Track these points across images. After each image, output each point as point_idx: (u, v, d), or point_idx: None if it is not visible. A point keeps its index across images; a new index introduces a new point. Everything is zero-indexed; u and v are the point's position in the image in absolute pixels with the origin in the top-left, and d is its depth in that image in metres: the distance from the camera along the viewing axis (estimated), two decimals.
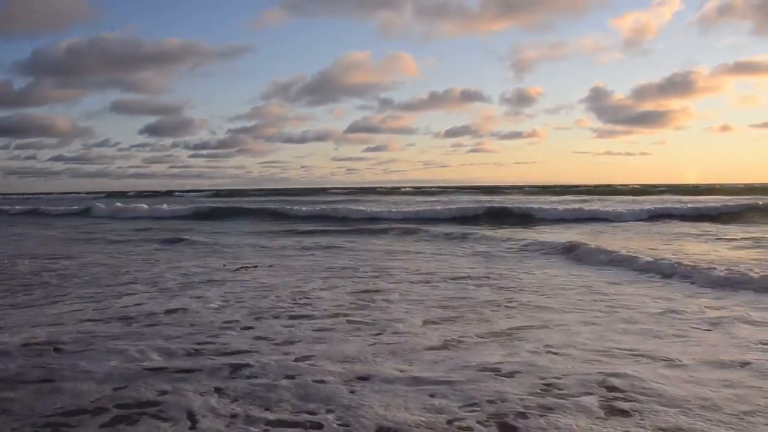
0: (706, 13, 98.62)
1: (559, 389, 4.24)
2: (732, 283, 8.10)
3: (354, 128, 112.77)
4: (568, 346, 5.33)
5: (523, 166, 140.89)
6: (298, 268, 10.59)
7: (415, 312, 6.84)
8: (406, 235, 17.62)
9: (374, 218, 25.00)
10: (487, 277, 9.32)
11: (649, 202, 32.24)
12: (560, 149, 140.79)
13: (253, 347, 5.42)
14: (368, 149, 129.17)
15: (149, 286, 8.81)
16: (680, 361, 4.85)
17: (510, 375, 4.58)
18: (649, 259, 10.28)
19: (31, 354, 5.23)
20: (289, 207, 30.93)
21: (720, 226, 18.85)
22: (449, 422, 3.73)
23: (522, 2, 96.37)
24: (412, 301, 7.46)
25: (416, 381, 4.46)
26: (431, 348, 5.35)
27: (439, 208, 27.97)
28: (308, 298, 7.76)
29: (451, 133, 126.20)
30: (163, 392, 4.28)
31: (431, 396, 4.16)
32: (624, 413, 3.81)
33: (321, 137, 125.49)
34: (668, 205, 27.95)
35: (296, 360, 5.01)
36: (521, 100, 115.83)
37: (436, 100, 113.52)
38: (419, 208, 27.60)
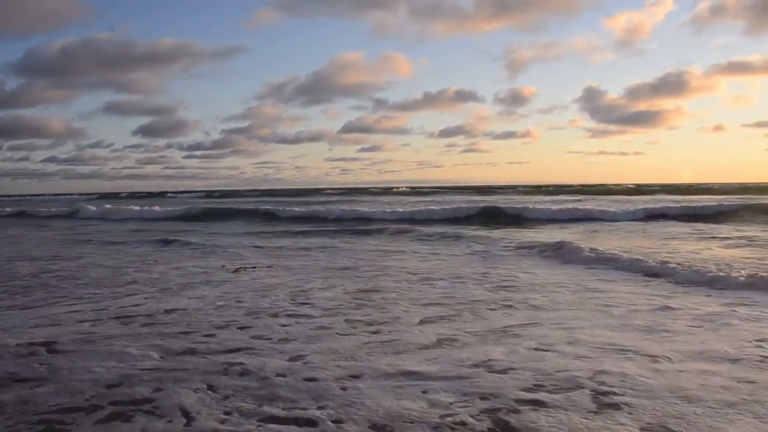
0: (698, 14, 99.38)
1: (552, 385, 4.29)
2: (721, 281, 8.17)
3: (348, 128, 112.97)
4: (559, 343, 5.38)
5: (517, 166, 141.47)
6: (296, 269, 10.61)
7: (412, 310, 6.88)
8: (401, 236, 17.66)
9: (369, 219, 25.04)
10: (482, 277, 9.36)
11: (642, 202, 32.37)
12: (554, 149, 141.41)
13: (248, 345, 5.45)
14: (362, 149, 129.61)
15: (148, 287, 8.83)
16: (668, 357, 4.91)
17: (503, 371, 4.62)
18: (639, 258, 10.36)
19: (27, 354, 5.24)
20: (283, 208, 30.87)
21: (713, 225, 18.95)
22: (442, 417, 3.76)
23: (515, 2, 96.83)
24: (409, 300, 7.49)
25: (410, 377, 4.50)
26: (426, 345, 5.39)
27: (434, 208, 28.02)
28: (307, 297, 7.79)
29: (445, 133, 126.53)
30: (158, 389, 4.30)
31: (424, 392, 4.19)
32: (614, 407, 3.86)
33: (315, 138, 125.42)
34: (662, 204, 28.06)
35: (290, 358, 5.03)
36: (515, 100, 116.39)
37: (430, 100, 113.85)
38: (414, 209, 27.63)
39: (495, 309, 6.95)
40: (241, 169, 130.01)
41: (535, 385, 4.30)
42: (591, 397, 4.04)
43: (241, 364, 4.86)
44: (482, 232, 17.59)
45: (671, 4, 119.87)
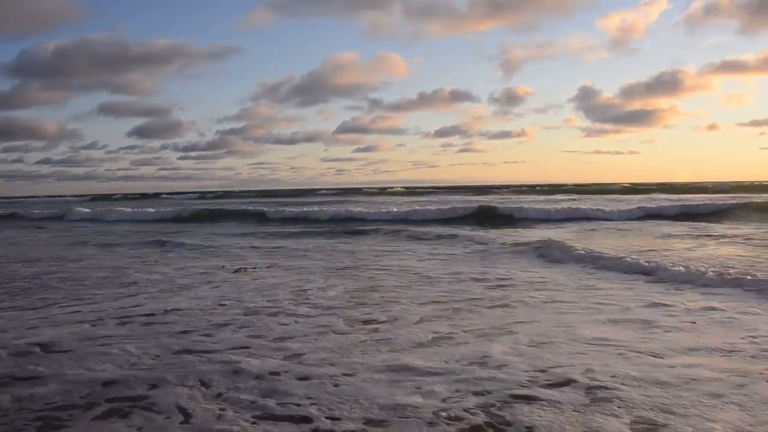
0: (692, 13, 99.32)
1: (545, 380, 4.34)
2: (713, 279, 8.21)
3: (343, 129, 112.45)
4: (553, 340, 5.44)
5: (513, 166, 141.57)
6: (296, 269, 10.65)
7: (410, 309, 6.93)
8: (397, 236, 17.67)
9: (366, 219, 25.06)
10: (479, 275, 9.41)
11: (637, 201, 32.48)
12: (549, 148, 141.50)
13: (244, 344, 5.48)
14: (358, 150, 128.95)
15: (149, 287, 8.85)
16: (659, 352, 4.98)
17: (497, 367, 4.66)
18: (632, 257, 10.43)
19: (25, 353, 5.27)
20: (279, 209, 30.78)
21: (708, 224, 19.03)
22: (436, 412, 3.80)
23: (509, 2, 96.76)
24: (408, 299, 7.54)
25: (405, 374, 4.54)
26: (421, 342, 5.44)
27: (431, 208, 28.05)
28: (307, 297, 7.84)
29: (441, 133, 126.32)
30: (154, 387, 4.33)
31: (418, 388, 4.23)
32: (606, 400, 3.91)
33: (310, 138, 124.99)
34: (657, 203, 28.16)
35: (286, 357, 5.07)
36: (510, 99, 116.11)
37: (425, 100, 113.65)
38: (410, 209, 27.66)
39: (491, 307, 7.00)
40: (237, 170, 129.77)
41: (528, 380, 4.35)
42: (583, 391, 4.09)
43: (237, 362, 4.89)
44: (478, 232, 17.64)
45: (665, 3, 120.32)
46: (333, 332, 5.91)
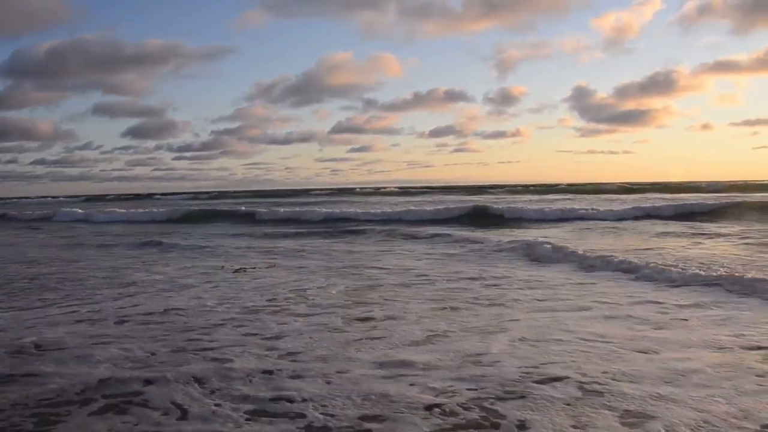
0: (686, 13, 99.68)
1: (538, 375, 4.39)
2: (703, 278, 8.26)
3: (338, 129, 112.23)
4: (546, 337, 5.50)
5: (507, 166, 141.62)
6: (295, 268, 10.68)
7: (408, 308, 6.98)
8: (393, 236, 17.69)
9: (361, 219, 25.08)
10: (474, 275, 9.46)
11: (632, 201, 32.60)
12: (544, 148, 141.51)
13: (240, 343, 5.52)
14: (353, 150, 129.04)
15: (148, 287, 8.87)
16: (649, 348, 5.05)
17: (491, 364, 4.71)
18: (625, 256, 10.50)
19: (21, 352, 5.29)
20: (274, 209, 30.80)
21: (701, 223, 19.12)
22: (428, 408, 3.84)
23: (504, 3, 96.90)
24: (405, 298, 7.60)
25: (400, 369, 4.58)
26: (416, 340, 5.49)
27: (427, 208, 28.10)
28: (305, 296, 7.87)
29: (435, 133, 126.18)
30: (149, 382, 4.36)
31: (411, 385, 4.27)
32: (597, 394, 3.97)
33: (305, 138, 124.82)
34: (651, 203, 28.27)
35: (280, 356, 5.10)
36: (504, 99, 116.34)
37: (419, 100, 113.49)
38: (404, 209, 27.70)
39: (486, 305, 7.05)
40: (231, 171, 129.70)
41: (522, 376, 4.39)
42: (576, 386, 4.14)
43: (229, 360, 4.93)
44: (473, 232, 17.69)
45: (659, 3, 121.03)
46: (330, 330, 5.95)
